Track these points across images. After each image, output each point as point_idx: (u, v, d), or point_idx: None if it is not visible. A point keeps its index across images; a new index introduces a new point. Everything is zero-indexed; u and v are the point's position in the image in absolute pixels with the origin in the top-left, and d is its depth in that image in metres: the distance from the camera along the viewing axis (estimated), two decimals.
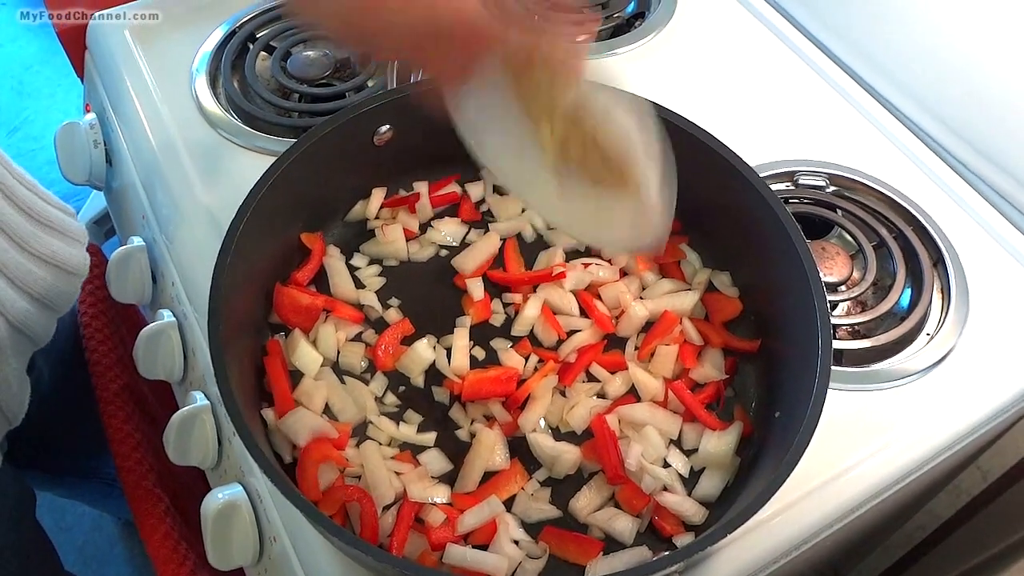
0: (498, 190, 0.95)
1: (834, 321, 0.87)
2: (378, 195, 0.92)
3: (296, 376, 0.81)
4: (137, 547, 1.80)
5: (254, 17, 1.16)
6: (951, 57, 1.02)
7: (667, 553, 0.65)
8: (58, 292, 0.91)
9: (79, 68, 1.24)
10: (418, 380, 0.83)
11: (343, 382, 0.82)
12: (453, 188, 0.94)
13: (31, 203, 0.89)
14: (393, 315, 0.87)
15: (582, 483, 0.77)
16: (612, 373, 0.83)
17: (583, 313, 0.87)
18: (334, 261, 0.88)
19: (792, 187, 1.00)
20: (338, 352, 0.84)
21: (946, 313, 0.90)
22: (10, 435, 0.91)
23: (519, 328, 0.85)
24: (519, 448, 0.79)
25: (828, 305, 0.73)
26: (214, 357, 0.69)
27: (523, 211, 0.93)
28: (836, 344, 0.85)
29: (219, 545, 0.78)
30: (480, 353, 0.84)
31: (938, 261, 0.94)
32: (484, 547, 0.73)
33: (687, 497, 0.76)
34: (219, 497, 0.78)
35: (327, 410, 0.80)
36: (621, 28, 1.20)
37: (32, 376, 0.93)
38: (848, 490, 0.78)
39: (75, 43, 1.20)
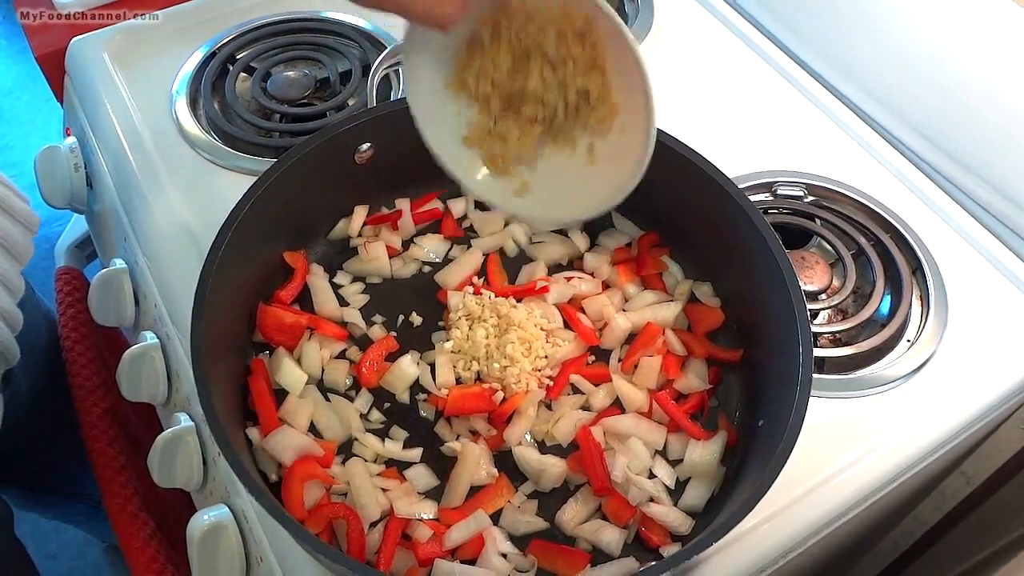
0: (480, 206, 0.95)
1: (815, 329, 0.87)
2: (360, 213, 0.92)
3: (281, 395, 0.81)
4: (123, 573, 1.78)
5: (234, 39, 1.16)
6: (925, 68, 1.04)
7: (653, 563, 0.65)
8: (8, 307, 0.89)
9: (58, 92, 1.24)
10: (403, 396, 0.83)
11: (328, 400, 0.82)
12: (435, 204, 0.95)
13: None
14: (377, 332, 0.87)
15: (568, 495, 0.77)
16: (596, 385, 0.83)
17: (567, 326, 0.87)
18: (317, 279, 0.88)
19: (771, 197, 1.01)
20: (322, 370, 0.84)
21: (926, 319, 0.90)
22: None
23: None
24: (505, 461, 0.79)
25: (809, 313, 0.73)
26: (198, 378, 0.69)
27: (505, 226, 0.94)
28: (817, 352, 0.86)
29: (206, 567, 0.77)
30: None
31: (916, 268, 0.94)
32: (472, 561, 0.73)
33: (673, 507, 0.76)
34: (205, 518, 0.78)
35: (312, 428, 0.80)
36: None
37: (9, 390, 0.92)
38: (833, 497, 0.78)
39: (54, 67, 1.20)
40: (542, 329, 0.85)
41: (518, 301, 0.87)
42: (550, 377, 0.83)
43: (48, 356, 1.06)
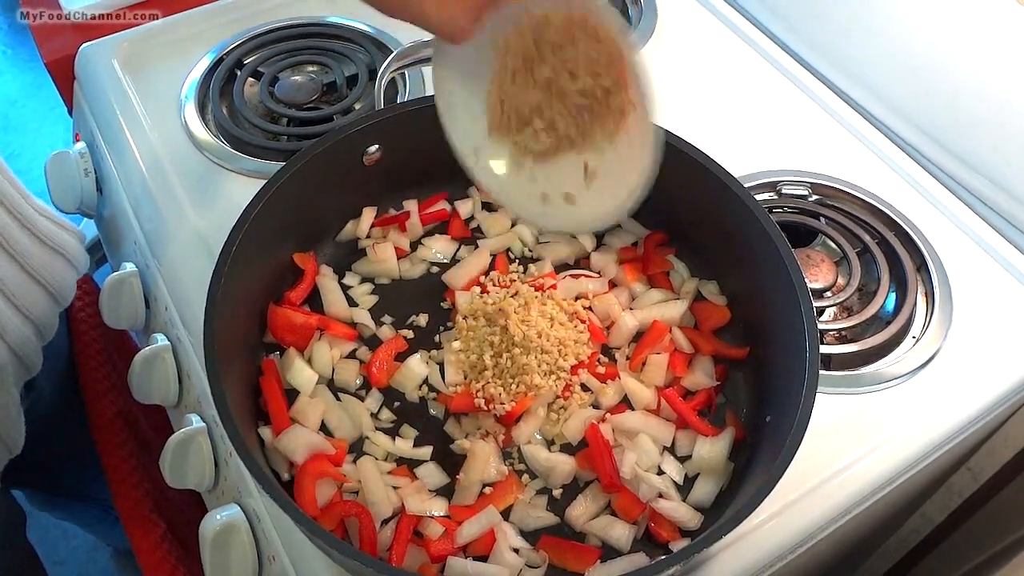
0: (487, 206, 0.96)
1: (821, 326, 0.88)
2: (368, 214, 0.93)
3: (292, 395, 0.82)
4: None
5: (241, 44, 1.17)
6: (927, 66, 1.04)
7: (663, 558, 0.65)
8: (50, 316, 0.91)
9: (67, 98, 1.25)
10: (413, 395, 0.84)
11: (338, 399, 0.82)
12: (443, 206, 0.96)
13: (34, 221, 0.90)
14: (386, 332, 0.87)
15: (578, 490, 0.78)
16: (604, 383, 0.84)
17: (575, 324, 0.87)
18: (327, 280, 0.89)
19: (776, 197, 1.01)
20: (333, 370, 0.84)
21: (931, 316, 0.91)
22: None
23: None
24: (515, 458, 0.80)
25: (815, 311, 0.74)
26: (210, 378, 0.69)
27: (512, 226, 0.95)
28: (823, 349, 0.86)
29: (218, 566, 0.78)
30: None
31: (921, 265, 0.95)
32: (484, 558, 0.73)
33: (682, 503, 0.76)
34: (217, 518, 0.78)
35: (323, 427, 0.81)
36: None
37: (31, 396, 0.93)
38: (840, 492, 0.79)
39: (63, 73, 1.22)
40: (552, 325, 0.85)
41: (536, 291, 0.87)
42: (560, 378, 0.84)
43: (69, 361, 1.07)
